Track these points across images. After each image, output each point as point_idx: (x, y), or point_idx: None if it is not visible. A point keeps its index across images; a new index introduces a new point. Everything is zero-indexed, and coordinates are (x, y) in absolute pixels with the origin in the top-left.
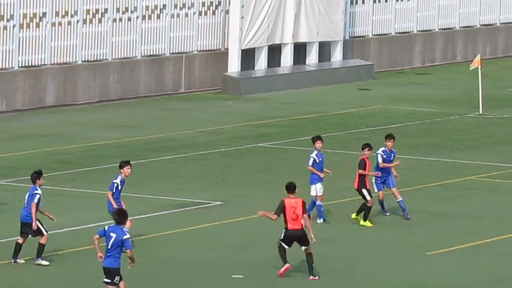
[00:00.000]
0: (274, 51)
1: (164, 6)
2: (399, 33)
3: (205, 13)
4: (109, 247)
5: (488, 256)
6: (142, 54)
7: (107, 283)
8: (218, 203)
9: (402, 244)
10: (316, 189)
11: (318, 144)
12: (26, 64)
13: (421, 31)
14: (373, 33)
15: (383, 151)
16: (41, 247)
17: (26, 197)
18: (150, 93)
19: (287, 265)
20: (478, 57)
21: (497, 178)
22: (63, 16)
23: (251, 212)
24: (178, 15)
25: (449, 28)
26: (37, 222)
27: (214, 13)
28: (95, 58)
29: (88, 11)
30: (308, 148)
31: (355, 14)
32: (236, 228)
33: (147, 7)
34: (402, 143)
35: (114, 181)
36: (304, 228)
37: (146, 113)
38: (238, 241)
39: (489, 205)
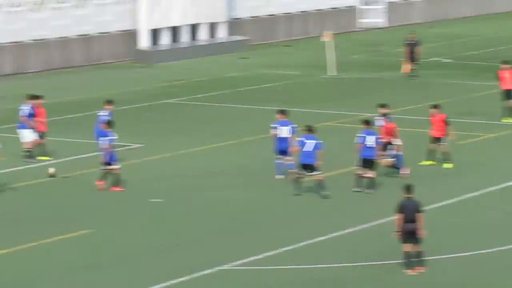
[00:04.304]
0: (175, 30)
1: None
2: (267, 15)
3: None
4: (307, 149)
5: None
6: (73, 34)
7: (305, 175)
8: (139, 145)
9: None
10: None
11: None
12: None
13: (284, 13)
14: (249, 16)
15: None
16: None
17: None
18: (84, 63)
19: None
20: (329, 32)
21: (345, 123)
22: None
23: (166, 151)
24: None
25: (303, 12)
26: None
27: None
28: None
29: None
30: (202, 102)
31: (235, 1)
32: (156, 164)
33: None
34: (272, 98)
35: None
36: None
37: (82, 78)
38: (156, 174)
39: (344, 143)
